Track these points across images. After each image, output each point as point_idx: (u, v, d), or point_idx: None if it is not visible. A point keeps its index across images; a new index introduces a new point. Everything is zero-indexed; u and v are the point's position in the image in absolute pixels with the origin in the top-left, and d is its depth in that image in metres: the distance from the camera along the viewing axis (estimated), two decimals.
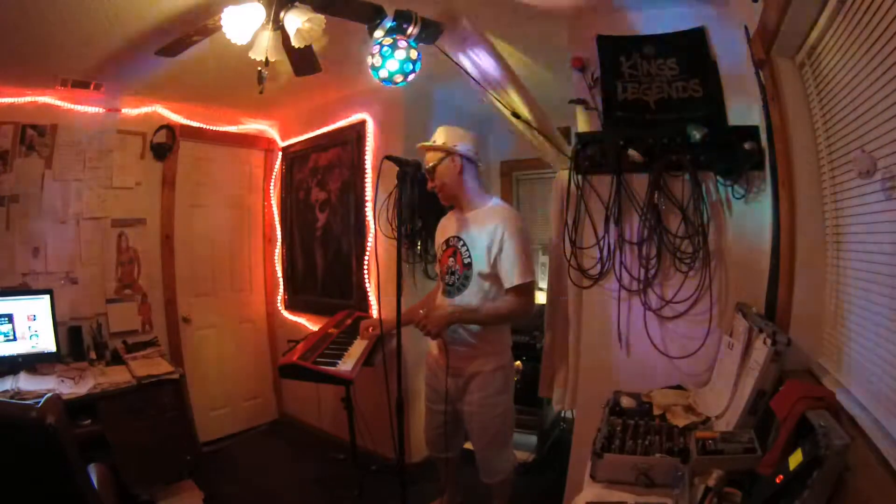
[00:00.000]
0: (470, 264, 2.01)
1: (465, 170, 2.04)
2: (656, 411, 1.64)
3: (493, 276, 1.98)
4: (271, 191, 3.93)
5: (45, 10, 1.90)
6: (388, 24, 1.90)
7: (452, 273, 2.08)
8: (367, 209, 3.11)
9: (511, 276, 1.94)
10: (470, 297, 2.01)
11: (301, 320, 3.67)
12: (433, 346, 2.17)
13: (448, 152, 2.02)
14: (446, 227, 2.18)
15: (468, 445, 2.25)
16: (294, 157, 3.74)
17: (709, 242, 1.86)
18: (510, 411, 2.12)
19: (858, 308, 1.21)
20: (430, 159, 2.06)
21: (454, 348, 1.99)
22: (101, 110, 2.98)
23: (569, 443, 2.25)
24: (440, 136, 2.06)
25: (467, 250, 2.02)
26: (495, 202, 2.09)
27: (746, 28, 1.69)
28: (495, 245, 1.94)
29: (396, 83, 2.02)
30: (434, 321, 1.92)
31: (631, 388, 1.81)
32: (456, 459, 2.30)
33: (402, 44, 1.94)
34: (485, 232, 1.98)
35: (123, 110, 3.07)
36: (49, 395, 1.48)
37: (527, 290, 1.96)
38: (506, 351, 2.11)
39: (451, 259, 2.09)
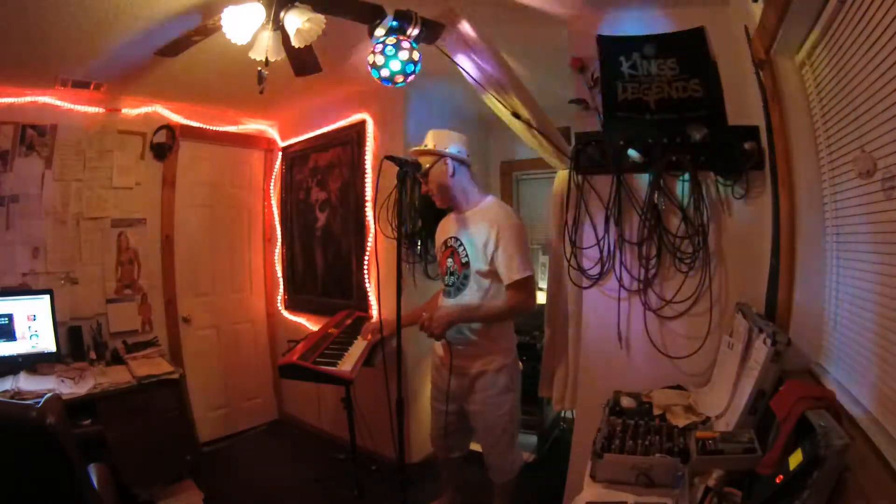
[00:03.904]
0: (468, 263, 2.02)
1: (457, 171, 2.05)
2: (656, 411, 1.64)
3: (492, 274, 1.99)
4: (271, 191, 3.93)
5: (45, 10, 1.89)
6: (389, 24, 1.90)
7: (452, 273, 2.08)
8: (367, 209, 3.11)
9: (509, 272, 1.94)
10: (470, 296, 2.02)
11: (301, 320, 3.67)
12: (438, 346, 2.17)
13: (439, 155, 2.03)
14: (445, 229, 2.19)
15: (474, 446, 2.25)
16: (294, 157, 3.74)
17: (709, 242, 1.86)
18: (516, 410, 2.12)
19: (859, 308, 1.21)
20: (422, 163, 2.06)
21: (458, 348, 1.99)
22: (101, 110, 2.98)
23: (569, 443, 2.25)
24: (430, 140, 2.06)
25: (464, 250, 2.03)
26: (489, 200, 2.09)
27: (746, 28, 1.69)
28: (491, 242, 1.95)
29: (396, 83, 2.01)
30: (436, 322, 1.92)
31: (631, 388, 1.81)
32: (460, 460, 2.30)
33: (403, 44, 1.93)
34: (480, 230, 1.99)
35: (123, 110, 3.07)
36: (49, 395, 1.48)
37: (526, 284, 1.96)
38: (510, 350, 2.11)
39: (450, 260, 2.09)
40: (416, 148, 2.09)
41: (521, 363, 2.19)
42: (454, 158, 2.03)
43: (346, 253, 3.31)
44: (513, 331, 2.16)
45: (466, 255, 2.02)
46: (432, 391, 2.24)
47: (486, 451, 2.13)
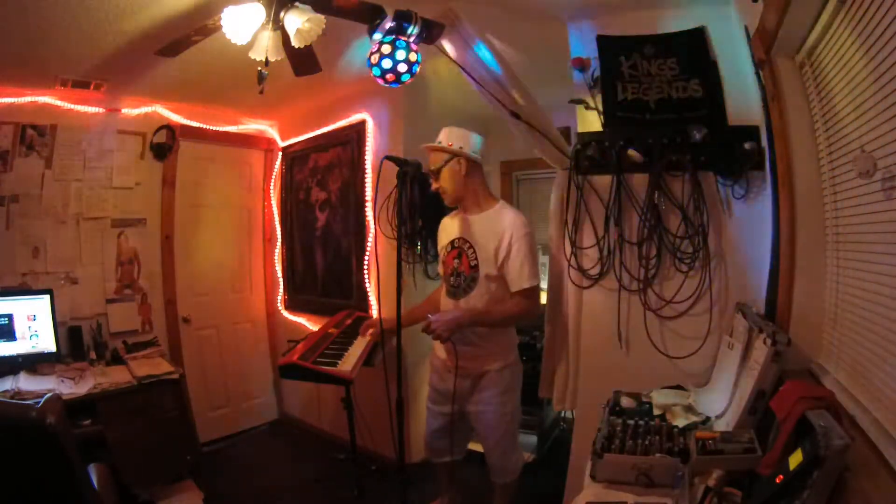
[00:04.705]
0: (477, 266, 2.01)
1: (471, 172, 2.02)
2: (656, 411, 1.63)
3: (500, 279, 1.98)
4: (271, 191, 3.93)
5: (44, 10, 1.89)
6: (389, 24, 1.90)
7: (458, 275, 2.07)
8: (367, 209, 3.11)
9: (518, 280, 1.94)
10: (476, 298, 2.01)
11: (301, 320, 3.67)
12: (438, 348, 2.15)
13: (453, 154, 2.00)
14: (450, 229, 2.17)
15: (473, 446, 2.25)
16: (294, 157, 3.74)
17: (709, 242, 1.86)
18: (518, 410, 2.12)
19: (858, 308, 1.21)
20: (434, 160, 2.04)
21: (461, 349, 1.97)
22: (101, 110, 2.98)
23: (569, 443, 2.25)
24: (445, 137, 2.03)
25: (474, 253, 2.02)
26: (502, 205, 2.07)
27: (746, 28, 1.69)
28: (503, 248, 1.94)
29: (396, 83, 2.02)
30: (443, 324, 1.89)
31: (631, 388, 1.81)
32: (456, 463, 2.29)
33: (403, 44, 1.94)
34: (493, 235, 1.97)
35: (123, 110, 3.07)
36: (49, 395, 1.48)
37: (533, 292, 1.96)
38: (512, 350, 2.11)
39: (457, 261, 2.08)
40: (430, 144, 2.06)
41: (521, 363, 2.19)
42: (469, 158, 2.01)
43: (346, 253, 3.31)
44: (514, 331, 2.16)
45: (476, 259, 2.01)
46: (431, 394, 2.23)
47: (488, 452, 2.13)
